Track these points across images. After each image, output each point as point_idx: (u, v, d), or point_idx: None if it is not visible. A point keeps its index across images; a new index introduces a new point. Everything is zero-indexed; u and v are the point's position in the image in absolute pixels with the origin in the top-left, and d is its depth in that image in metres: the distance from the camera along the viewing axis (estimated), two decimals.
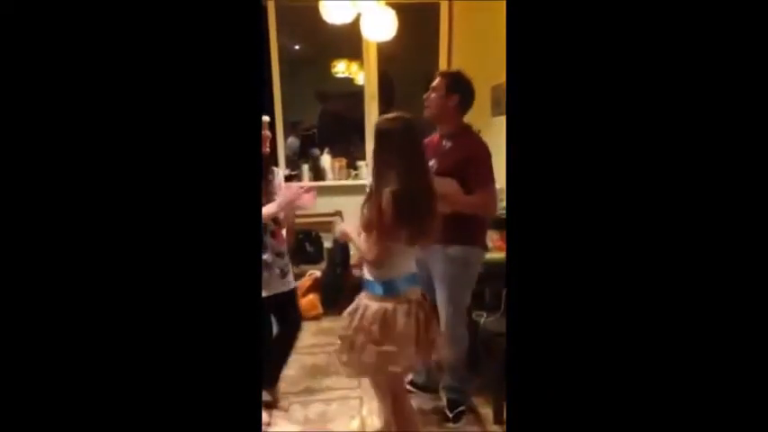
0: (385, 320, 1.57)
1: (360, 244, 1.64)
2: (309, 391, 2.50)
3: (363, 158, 3.95)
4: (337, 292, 3.42)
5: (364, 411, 2.33)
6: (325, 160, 3.98)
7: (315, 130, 4.54)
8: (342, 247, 3.52)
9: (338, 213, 3.61)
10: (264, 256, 2.08)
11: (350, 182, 3.90)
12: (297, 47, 4.58)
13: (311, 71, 4.71)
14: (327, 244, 3.65)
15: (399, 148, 1.55)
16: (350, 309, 1.68)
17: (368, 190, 1.65)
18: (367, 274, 1.67)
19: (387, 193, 1.51)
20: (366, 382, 2.60)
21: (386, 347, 1.56)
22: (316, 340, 3.05)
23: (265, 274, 2.08)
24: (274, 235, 2.12)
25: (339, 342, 1.67)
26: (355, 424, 2.24)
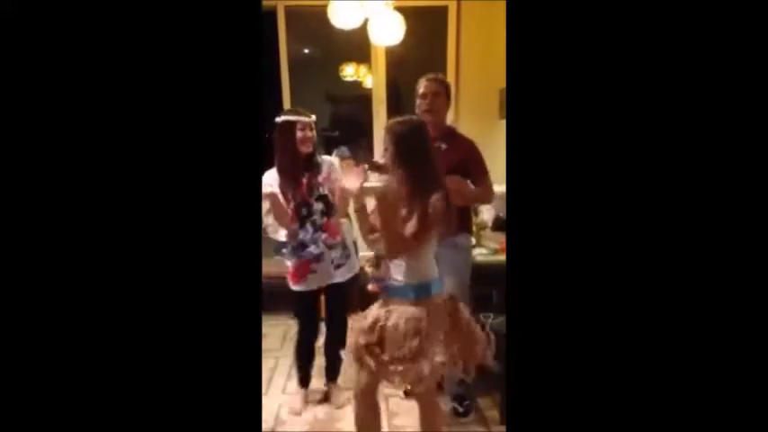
0: (422, 324, 1.55)
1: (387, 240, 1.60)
2: (318, 391, 2.51)
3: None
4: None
5: None
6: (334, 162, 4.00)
7: (337, 132, 4.52)
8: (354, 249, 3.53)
9: (346, 216, 3.62)
10: (313, 249, 2.11)
11: None
12: (306, 51, 4.61)
13: (320, 75, 4.73)
14: None
15: (421, 149, 1.60)
16: (375, 317, 1.62)
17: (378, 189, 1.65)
18: (397, 279, 1.63)
19: (438, 199, 1.53)
20: None
21: (439, 352, 1.54)
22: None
23: (315, 266, 2.14)
24: (324, 228, 2.14)
25: (375, 354, 1.59)
26: None
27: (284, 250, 2.22)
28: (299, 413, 2.35)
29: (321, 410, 2.38)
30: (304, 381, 2.43)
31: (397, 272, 1.64)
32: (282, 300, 3.36)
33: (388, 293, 1.67)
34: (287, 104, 3.80)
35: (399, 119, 1.67)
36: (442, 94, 2.17)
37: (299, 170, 2.07)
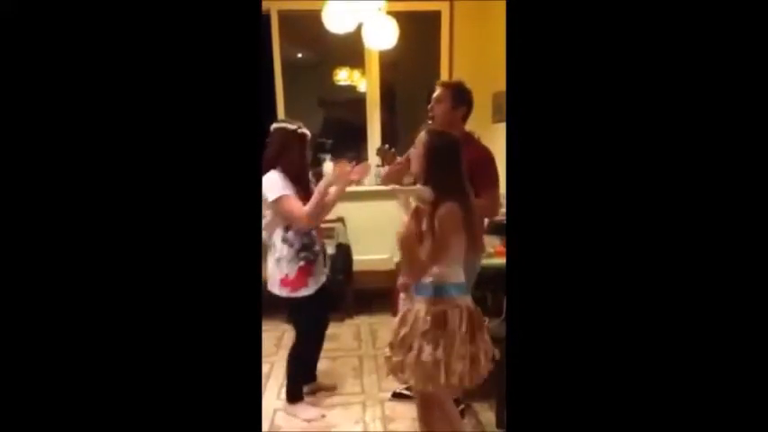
0: (438, 322, 1.60)
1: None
2: (313, 395, 2.51)
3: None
4: (339, 298, 3.43)
5: (367, 417, 2.34)
6: (328, 167, 3.99)
7: (331, 140, 4.48)
8: (344, 253, 3.53)
9: (341, 220, 3.62)
10: (317, 248, 2.22)
11: (352, 188, 3.90)
12: (299, 55, 4.61)
13: (313, 79, 4.73)
14: (330, 250, 3.67)
15: (458, 162, 1.64)
16: (401, 314, 1.71)
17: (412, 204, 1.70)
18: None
19: (446, 211, 1.57)
20: (369, 387, 2.61)
21: (440, 351, 1.58)
22: None
23: (315, 267, 2.22)
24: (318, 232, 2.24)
25: (390, 347, 1.71)
26: (358, 429, 2.25)
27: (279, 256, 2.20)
28: (322, 415, 2.35)
29: (316, 414, 2.37)
30: (300, 394, 2.40)
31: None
32: (277, 305, 3.36)
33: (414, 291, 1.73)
34: (280, 109, 3.79)
35: (437, 130, 1.73)
36: (444, 100, 2.12)
37: (308, 175, 2.24)
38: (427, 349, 1.58)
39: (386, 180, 2.44)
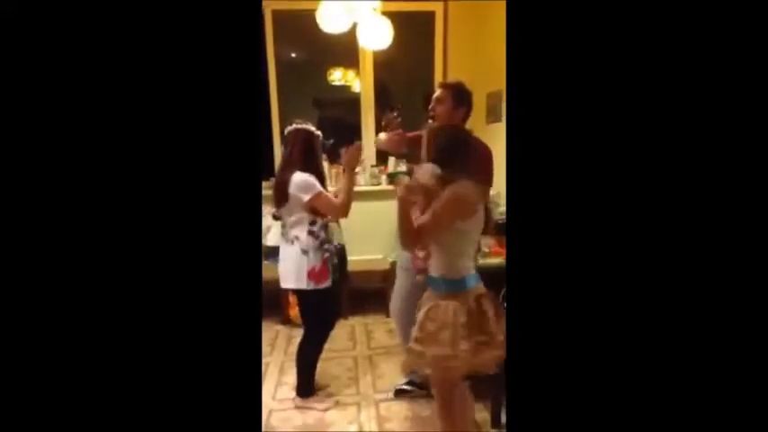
0: (471, 313, 1.62)
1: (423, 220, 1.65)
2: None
3: (360, 165, 3.97)
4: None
5: (362, 417, 2.34)
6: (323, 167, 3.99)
7: (332, 140, 4.48)
8: (339, 253, 3.53)
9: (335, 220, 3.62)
10: (336, 243, 2.33)
11: None
12: (293, 55, 4.60)
13: (308, 79, 4.72)
14: None
15: (465, 158, 1.67)
16: (426, 310, 1.73)
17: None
18: (433, 272, 1.72)
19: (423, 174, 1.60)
20: (364, 387, 2.61)
21: (449, 346, 1.59)
22: None
23: (331, 260, 2.30)
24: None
25: (416, 342, 1.73)
26: (353, 429, 2.25)
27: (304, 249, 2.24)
28: (336, 401, 2.45)
29: (311, 416, 2.37)
30: (312, 387, 2.46)
31: (431, 264, 1.73)
32: (271, 305, 3.35)
33: (428, 284, 1.76)
34: (274, 109, 3.79)
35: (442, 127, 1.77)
36: (444, 100, 2.16)
37: (324, 173, 2.34)
38: (462, 341, 1.60)
39: (383, 144, 2.48)
